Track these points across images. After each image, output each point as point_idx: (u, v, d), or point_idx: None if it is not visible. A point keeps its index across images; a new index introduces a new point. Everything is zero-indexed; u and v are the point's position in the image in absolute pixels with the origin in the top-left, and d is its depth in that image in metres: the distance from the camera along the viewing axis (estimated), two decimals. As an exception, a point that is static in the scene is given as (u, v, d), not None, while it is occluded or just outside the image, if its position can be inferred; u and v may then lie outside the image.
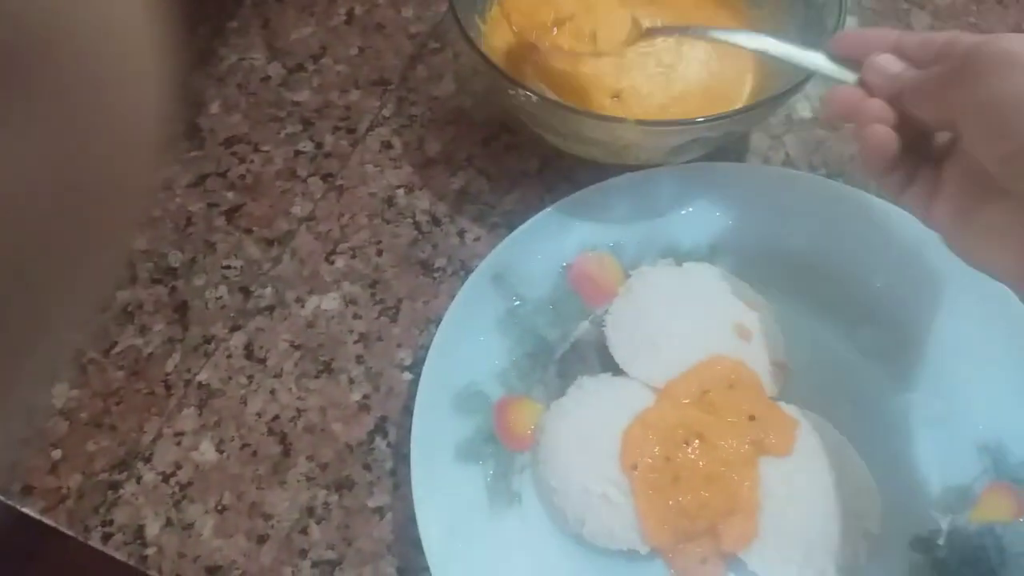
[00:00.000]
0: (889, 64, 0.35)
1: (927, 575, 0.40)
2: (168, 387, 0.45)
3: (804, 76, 0.42)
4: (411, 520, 0.39)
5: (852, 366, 0.44)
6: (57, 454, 0.43)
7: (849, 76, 0.37)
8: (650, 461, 0.39)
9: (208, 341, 0.47)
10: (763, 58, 0.50)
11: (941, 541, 0.40)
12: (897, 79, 0.35)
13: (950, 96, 0.32)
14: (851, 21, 0.57)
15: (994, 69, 0.30)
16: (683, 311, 0.44)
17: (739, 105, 0.48)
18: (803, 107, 0.54)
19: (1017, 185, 0.31)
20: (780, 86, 0.44)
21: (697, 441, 0.39)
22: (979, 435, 0.42)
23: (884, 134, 0.34)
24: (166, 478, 0.43)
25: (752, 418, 0.40)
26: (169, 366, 0.46)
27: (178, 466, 0.43)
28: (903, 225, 0.46)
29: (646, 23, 0.50)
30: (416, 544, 0.38)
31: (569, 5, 0.50)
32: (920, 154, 0.35)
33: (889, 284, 0.45)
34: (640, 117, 0.43)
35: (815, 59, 0.38)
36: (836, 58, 0.38)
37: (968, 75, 0.31)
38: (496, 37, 0.51)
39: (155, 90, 0.15)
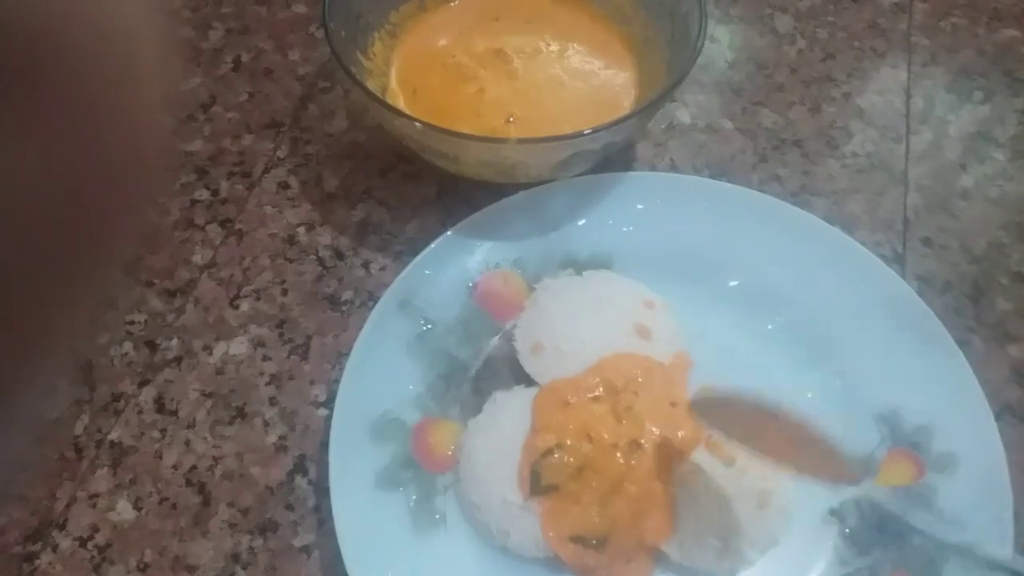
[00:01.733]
0: None
1: (841, 544, 0.42)
2: (79, 450, 0.44)
3: (665, 89, 0.44)
4: (338, 555, 0.38)
5: (753, 352, 0.46)
6: (-36, 532, 0.42)
7: None
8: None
9: (117, 399, 0.46)
10: (643, 69, 0.52)
11: (852, 510, 0.42)
12: None
13: None
14: (719, 29, 0.60)
15: None
16: (586, 317, 0.45)
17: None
18: (683, 114, 0.57)
19: None
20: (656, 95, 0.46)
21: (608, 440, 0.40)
22: (876, 407, 0.44)
23: None
24: (83, 543, 0.42)
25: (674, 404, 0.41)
26: (78, 428, 0.45)
27: (95, 529, 0.42)
28: (786, 217, 0.49)
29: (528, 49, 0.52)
30: (345, 578, 0.38)
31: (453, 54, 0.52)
32: None
33: (780, 272, 0.48)
34: (531, 136, 0.44)
35: None
36: None
37: None
38: (381, 70, 0.52)
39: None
